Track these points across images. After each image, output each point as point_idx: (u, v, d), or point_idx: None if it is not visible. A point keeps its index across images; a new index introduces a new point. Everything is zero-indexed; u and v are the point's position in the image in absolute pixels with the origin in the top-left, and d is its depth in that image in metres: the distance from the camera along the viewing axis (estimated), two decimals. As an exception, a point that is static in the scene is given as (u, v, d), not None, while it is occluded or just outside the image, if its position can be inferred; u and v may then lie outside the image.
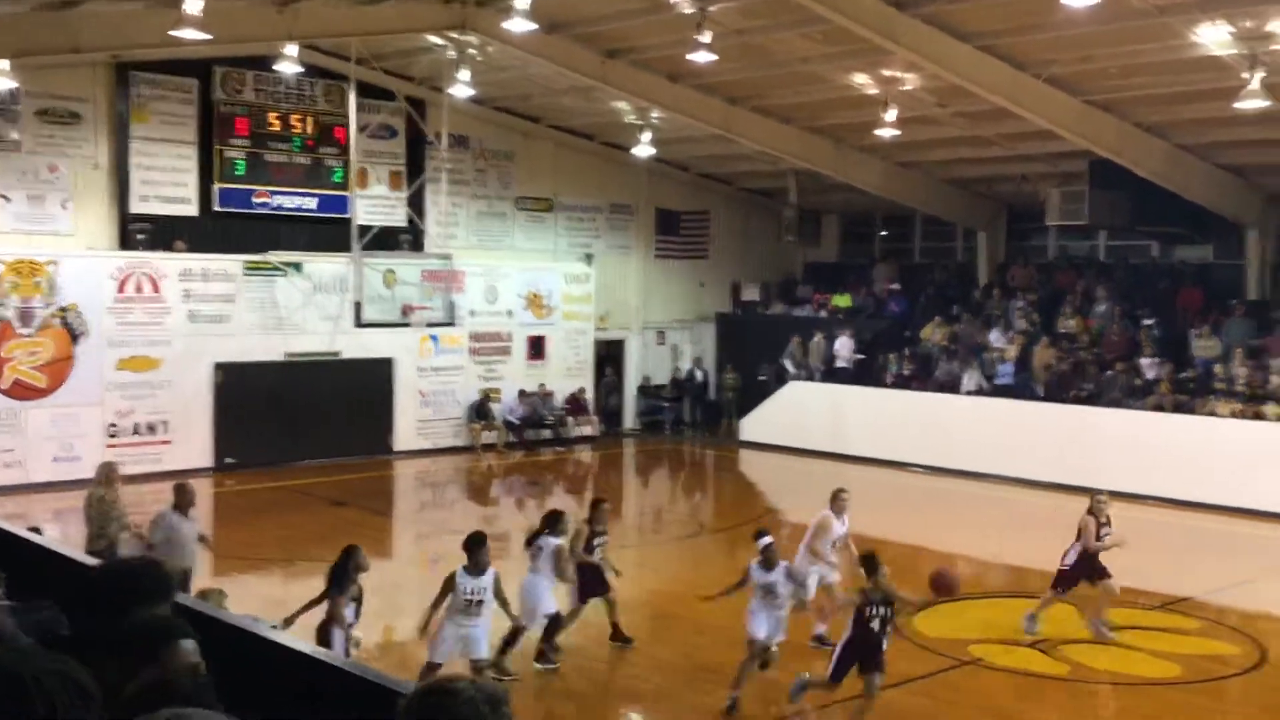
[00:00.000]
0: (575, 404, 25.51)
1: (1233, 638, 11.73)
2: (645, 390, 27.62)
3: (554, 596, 10.39)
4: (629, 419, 27.32)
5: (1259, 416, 18.92)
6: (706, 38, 15.84)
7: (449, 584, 9.28)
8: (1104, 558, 11.45)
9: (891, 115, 19.03)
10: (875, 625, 8.84)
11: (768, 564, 9.55)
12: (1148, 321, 21.82)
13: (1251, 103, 15.10)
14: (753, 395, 25.80)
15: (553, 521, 10.55)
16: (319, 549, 15.18)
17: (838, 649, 9.01)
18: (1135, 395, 20.45)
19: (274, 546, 15.55)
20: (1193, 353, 20.90)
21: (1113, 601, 11.49)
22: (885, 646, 8.88)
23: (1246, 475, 18.08)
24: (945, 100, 19.11)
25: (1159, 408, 19.92)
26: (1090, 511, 11.54)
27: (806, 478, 22.66)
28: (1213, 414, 19.34)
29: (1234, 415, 19.16)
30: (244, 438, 20.73)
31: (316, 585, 9.10)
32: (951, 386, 22.63)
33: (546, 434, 24.82)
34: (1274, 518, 17.45)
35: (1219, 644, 11.55)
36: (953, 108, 19.49)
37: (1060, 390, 21.32)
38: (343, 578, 8.86)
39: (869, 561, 9.12)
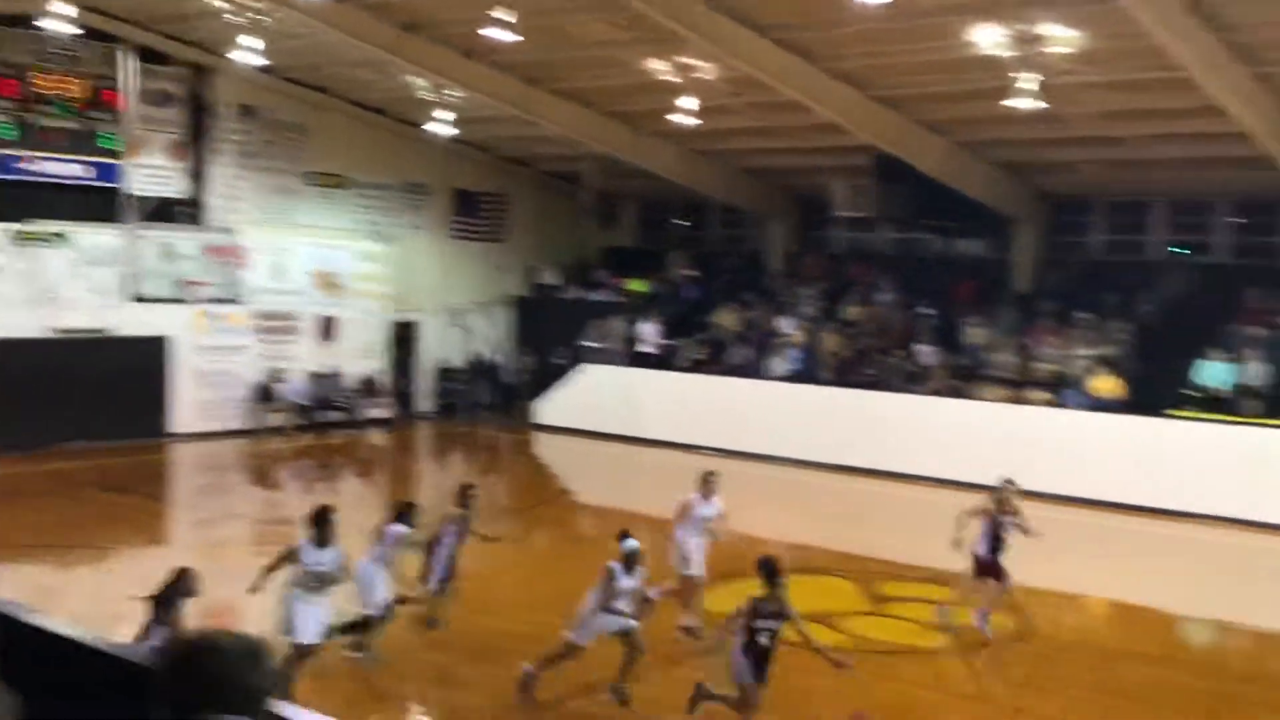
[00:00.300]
0: (368, 386, 24.95)
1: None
2: (441, 373, 27.24)
3: (387, 586, 10.17)
4: (424, 402, 26.89)
5: (1024, 401, 20.07)
6: (505, 15, 15.65)
7: (290, 555, 9.02)
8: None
9: (688, 103, 19.28)
10: (763, 639, 8.17)
11: (630, 567, 9.16)
12: (926, 311, 22.84)
13: (1022, 102, 15.91)
14: (549, 379, 25.79)
15: (405, 511, 10.45)
16: (84, 535, 14.43)
17: (735, 655, 8.26)
18: (914, 381, 21.38)
19: (34, 533, 14.59)
20: (966, 341, 22.00)
21: (1002, 602, 11.39)
22: (771, 660, 8.25)
23: (1013, 457, 19.07)
24: (741, 90, 19.46)
25: (935, 393, 20.89)
26: (994, 500, 11.50)
27: (600, 460, 22.88)
28: (983, 399, 20.42)
29: (1002, 400, 20.26)
30: (4, 419, 19.39)
31: (83, 573, 8.58)
32: (744, 371, 23.16)
33: (337, 416, 24.19)
34: (1036, 497, 18.51)
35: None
36: (748, 98, 19.87)
37: (845, 376, 22.10)
38: (169, 602, 8.13)
39: (767, 568, 8.31)
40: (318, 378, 24.07)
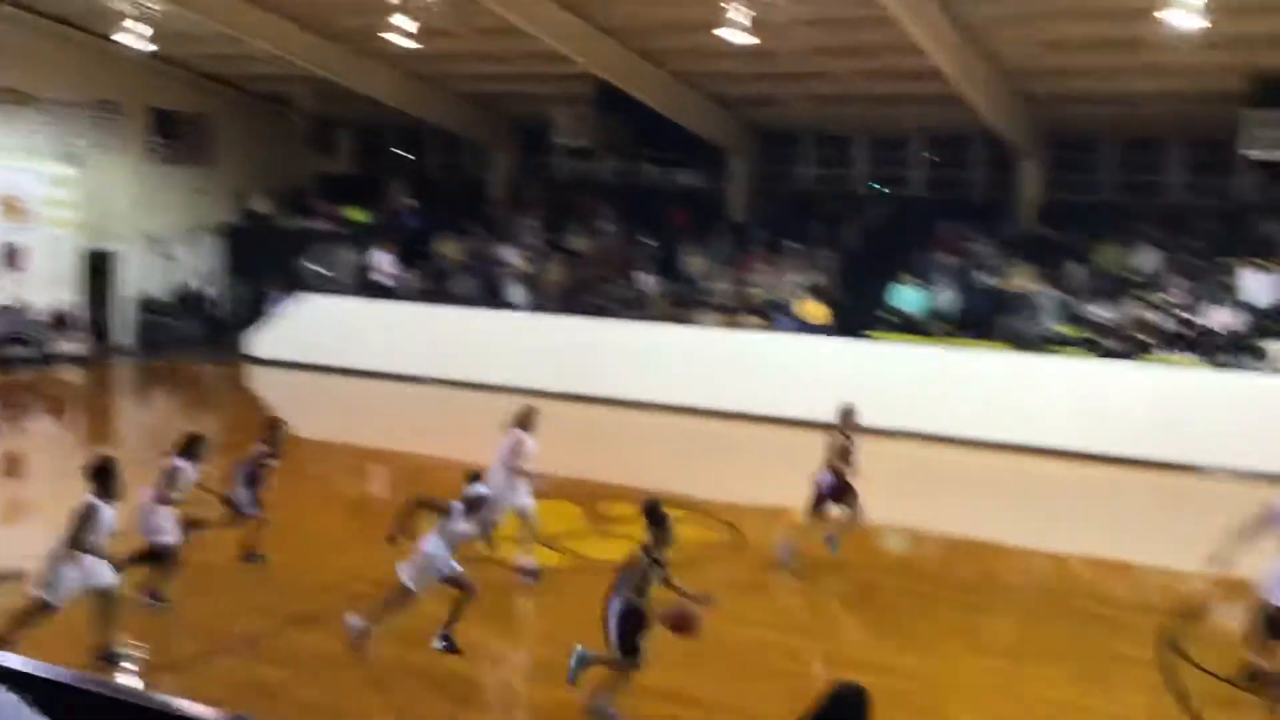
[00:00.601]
0: (58, 320, 23.19)
1: (715, 525, 12.90)
2: (143, 305, 25.63)
3: (174, 524, 9.56)
4: (124, 336, 25.25)
5: (739, 326, 20.85)
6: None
7: (89, 514, 7.96)
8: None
9: (405, 24, 18.70)
10: (653, 585, 7.59)
11: (471, 512, 8.67)
12: (646, 240, 23.28)
13: (734, 36, 16.29)
14: (263, 311, 24.74)
15: (191, 445, 9.84)
16: None
17: (615, 620, 7.47)
18: (636, 308, 21.81)
19: None
20: (684, 269, 22.60)
21: (853, 528, 11.47)
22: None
23: (729, 381, 19.89)
24: (461, 13, 19.05)
25: (656, 320, 21.39)
26: (838, 430, 11.46)
27: (320, 394, 22.24)
28: (701, 325, 21.07)
29: (719, 326, 20.98)
30: None
31: None
32: (469, 301, 22.95)
33: (24, 352, 22.38)
34: (751, 419, 19.35)
35: (704, 531, 12.66)
36: (468, 22, 19.48)
37: (569, 304, 22.29)
38: None
39: (654, 512, 7.70)
40: (1, 310, 22.18)
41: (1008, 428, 17.98)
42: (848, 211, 23.05)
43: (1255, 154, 17.82)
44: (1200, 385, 17.49)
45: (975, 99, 19.37)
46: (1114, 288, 19.47)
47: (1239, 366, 17.60)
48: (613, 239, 23.84)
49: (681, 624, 7.34)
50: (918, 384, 18.88)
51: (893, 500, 15.43)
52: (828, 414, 18.34)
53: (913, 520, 14.41)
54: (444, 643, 8.60)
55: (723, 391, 19.80)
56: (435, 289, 23.59)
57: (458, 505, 8.68)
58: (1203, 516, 14.85)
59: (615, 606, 7.50)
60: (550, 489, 12.05)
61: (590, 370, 20.89)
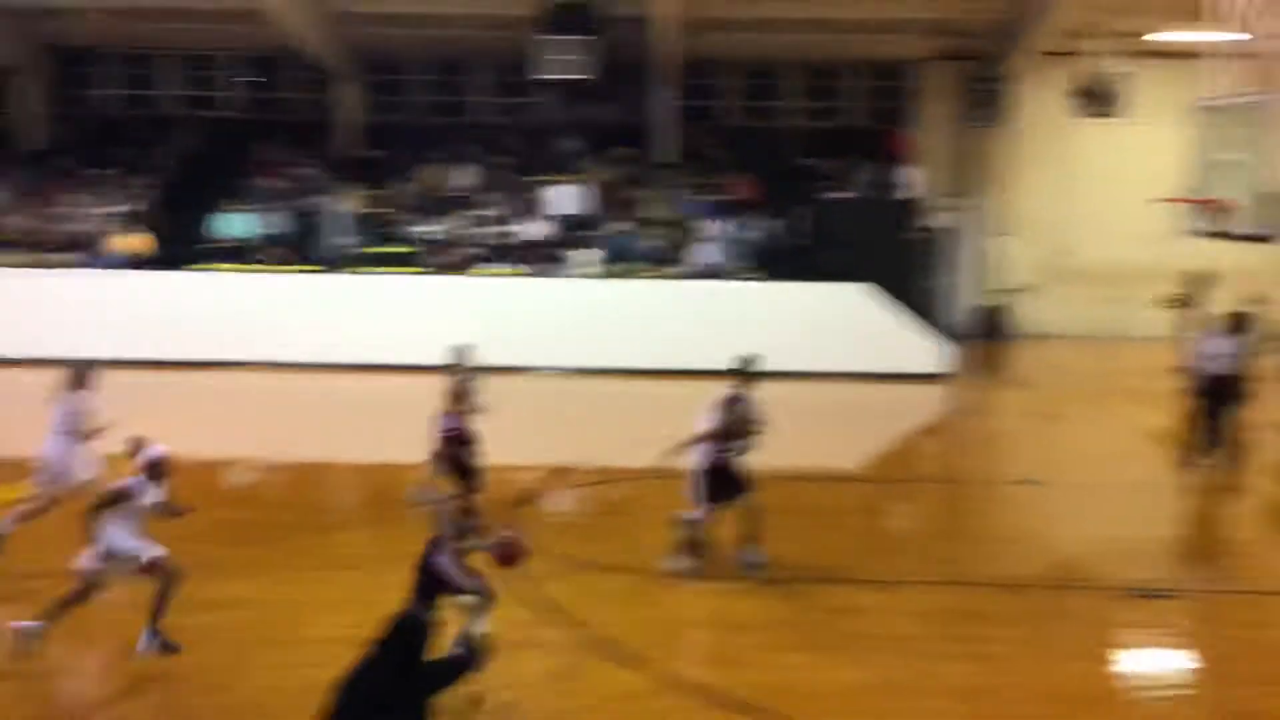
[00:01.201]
0: None
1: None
2: None
3: None
4: None
5: (48, 265, 18.89)
6: None
7: None
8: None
9: None
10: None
11: (154, 480, 7.54)
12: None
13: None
14: None
15: None
16: None
17: (455, 571, 7.02)
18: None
19: None
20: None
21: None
22: None
23: (31, 325, 17.94)
24: None
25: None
26: (454, 371, 10.89)
27: None
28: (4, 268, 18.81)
29: (25, 266, 18.84)
30: None
31: None
32: None
33: None
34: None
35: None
36: None
37: None
38: None
39: (462, 466, 7.32)
40: None
41: (342, 350, 18.18)
42: (159, 135, 21.74)
43: (548, 77, 19.29)
44: (519, 292, 18.86)
45: (280, 16, 19.00)
46: (438, 205, 20.30)
47: (549, 273, 19.23)
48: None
49: (507, 555, 7.29)
50: (250, 312, 18.42)
51: (235, 432, 15.00)
52: (155, 351, 17.44)
53: (257, 450, 14.12)
54: (156, 640, 7.40)
55: (29, 338, 17.85)
56: None
57: (136, 481, 7.53)
58: (533, 414, 16.17)
59: (442, 561, 7.12)
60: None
61: None
